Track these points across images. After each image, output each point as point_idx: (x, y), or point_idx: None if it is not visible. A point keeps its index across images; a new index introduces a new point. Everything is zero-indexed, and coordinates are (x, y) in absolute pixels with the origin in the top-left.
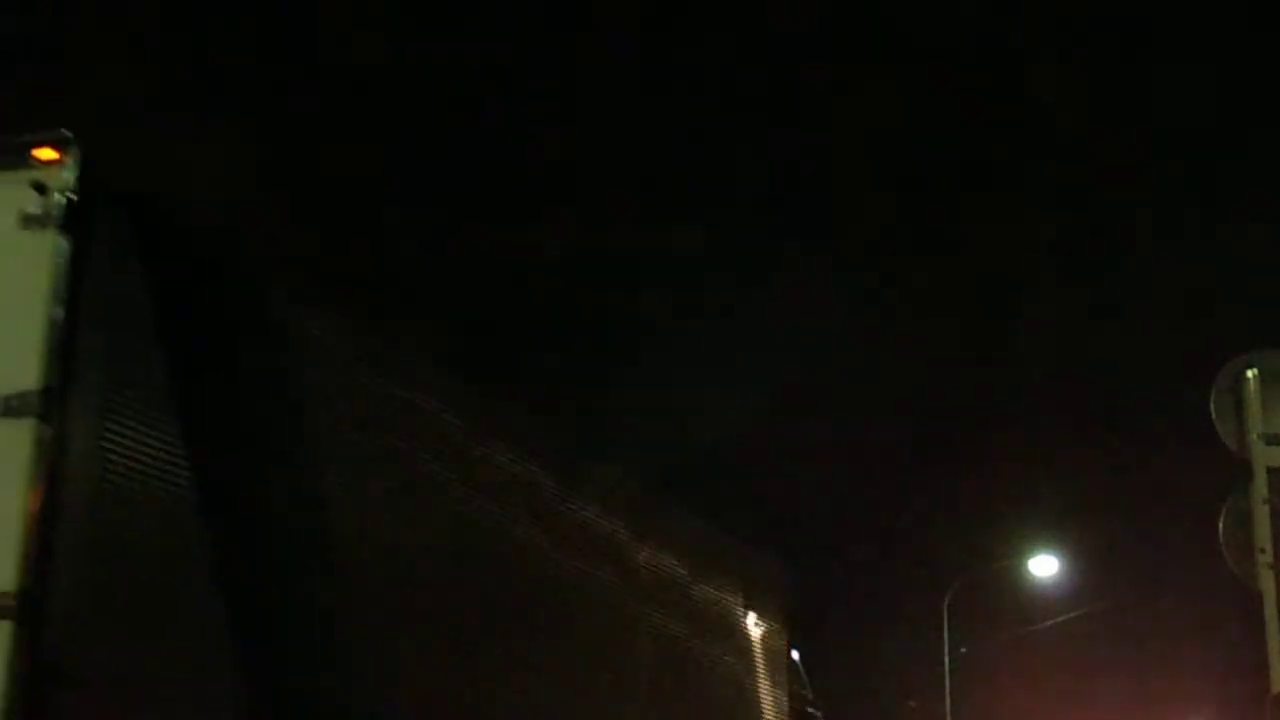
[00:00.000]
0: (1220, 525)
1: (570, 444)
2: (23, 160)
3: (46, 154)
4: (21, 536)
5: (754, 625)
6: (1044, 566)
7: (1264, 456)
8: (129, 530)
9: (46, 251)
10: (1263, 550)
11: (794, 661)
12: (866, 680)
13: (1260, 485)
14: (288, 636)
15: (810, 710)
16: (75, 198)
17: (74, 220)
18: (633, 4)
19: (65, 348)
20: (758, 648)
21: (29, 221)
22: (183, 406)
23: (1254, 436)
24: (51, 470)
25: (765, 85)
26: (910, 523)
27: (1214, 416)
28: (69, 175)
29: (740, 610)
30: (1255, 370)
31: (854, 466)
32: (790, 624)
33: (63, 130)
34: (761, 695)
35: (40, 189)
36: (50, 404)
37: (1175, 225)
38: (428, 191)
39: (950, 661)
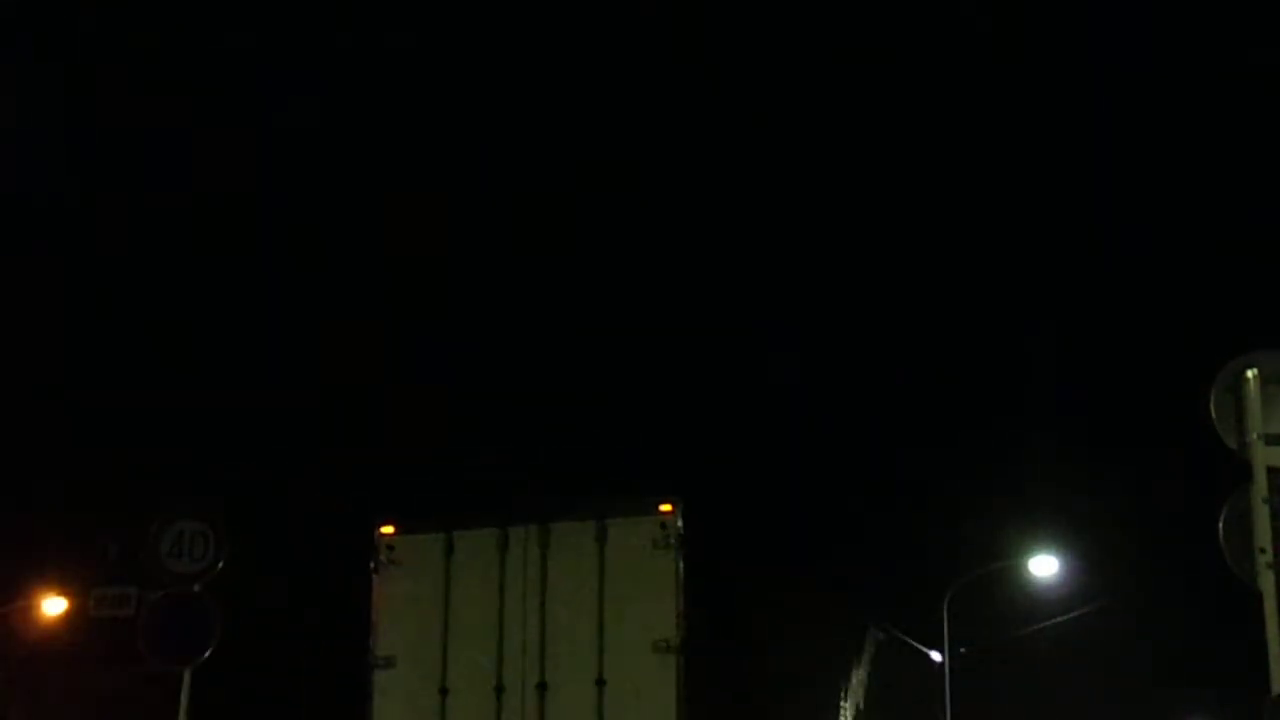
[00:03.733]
0: (1220, 525)
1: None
2: (652, 510)
3: (666, 507)
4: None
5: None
6: (1044, 566)
7: (1264, 456)
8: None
9: (670, 563)
10: (1263, 550)
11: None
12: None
13: (1260, 485)
14: None
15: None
16: (681, 532)
17: (681, 545)
18: None
19: (686, 614)
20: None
21: (657, 544)
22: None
23: (1254, 436)
24: (686, 679)
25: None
26: (909, 523)
27: (1214, 416)
28: (678, 519)
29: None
30: (1255, 370)
31: (853, 466)
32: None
33: (673, 496)
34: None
35: (663, 526)
36: (682, 645)
37: (1174, 225)
38: None
39: (950, 661)
